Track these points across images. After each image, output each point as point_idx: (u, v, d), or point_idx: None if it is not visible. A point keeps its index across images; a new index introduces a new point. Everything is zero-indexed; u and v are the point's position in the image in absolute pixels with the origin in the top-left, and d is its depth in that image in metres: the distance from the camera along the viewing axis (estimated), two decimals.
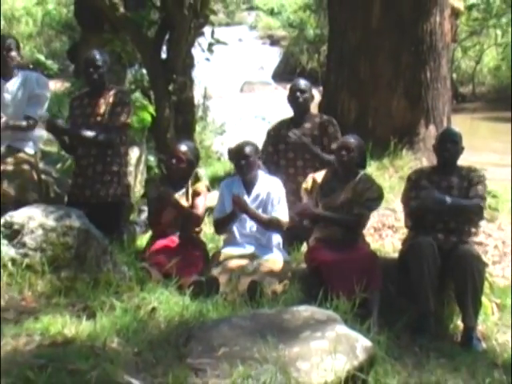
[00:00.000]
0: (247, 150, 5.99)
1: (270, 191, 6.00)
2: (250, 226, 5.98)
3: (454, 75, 18.01)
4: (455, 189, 5.96)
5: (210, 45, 9.11)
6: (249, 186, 6.04)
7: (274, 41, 32.17)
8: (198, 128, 10.30)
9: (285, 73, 24.21)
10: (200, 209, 6.00)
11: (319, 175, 6.16)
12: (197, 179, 6.10)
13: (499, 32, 20.10)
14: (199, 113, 12.27)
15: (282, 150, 6.77)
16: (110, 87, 6.37)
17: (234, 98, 20.06)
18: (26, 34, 19.47)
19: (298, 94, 6.72)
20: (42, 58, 17.52)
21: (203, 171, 7.24)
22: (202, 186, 6.09)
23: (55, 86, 12.93)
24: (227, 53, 19.46)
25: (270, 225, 5.95)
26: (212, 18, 9.08)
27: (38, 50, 18.87)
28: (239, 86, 22.83)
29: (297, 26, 24.64)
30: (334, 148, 6.18)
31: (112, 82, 6.54)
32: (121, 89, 6.61)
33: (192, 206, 6.00)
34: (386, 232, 7.60)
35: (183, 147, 6.10)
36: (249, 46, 31.19)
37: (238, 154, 6.03)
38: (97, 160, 6.27)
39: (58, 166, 7.63)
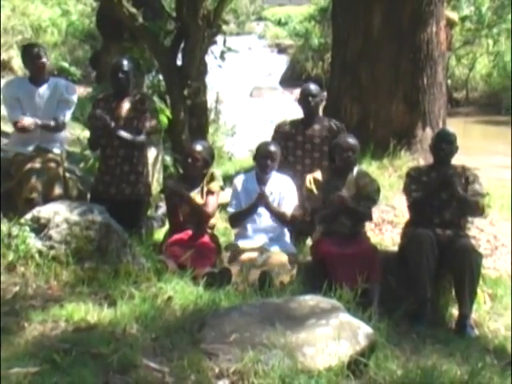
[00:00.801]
0: (273, 150, 6.00)
1: (282, 189, 6.01)
2: (263, 220, 5.97)
3: (449, 81, 17.91)
4: (454, 185, 5.93)
5: (222, 52, 9.11)
6: (263, 183, 6.03)
7: (281, 49, 32.15)
8: (210, 130, 10.29)
9: (291, 79, 24.17)
10: (210, 207, 5.98)
11: (317, 174, 6.14)
12: (212, 178, 6.07)
13: (491, 41, 20.03)
14: (212, 116, 12.27)
15: (291, 147, 6.74)
16: (134, 92, 6.39)
17: (244, 103, 20.03)
18: (52, 43, 19.45)
19: (309, 97, 6.71)
20: (65, 65, 17.57)
21: (218, 172, 7.22)
22: (215, 185, 6.07)
23: (78, 91, 12.94)
24: (238, 60, 19.47)
25: (285, 219, 5.96)
26: (224, 27, 9.06)
27: (62, 58, 18.85)
28: (249, 91, 22.80)
29: (302, 36, 24.63)
30: (338, 147, 6.13)
31: (133, 87, 6.53)
32: (144, 94, 6.63)
33: (204, 204, 5.98)
34: (385, 227, 7.59)
35: (198, 147, 6.09)
36: (258, 53, 31.20)
37: (263, 153, 6.02)
38: (124, 161, 6.29)
39: (81, 165, 7.64)
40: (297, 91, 21.63)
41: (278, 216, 5.94)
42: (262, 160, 6.00)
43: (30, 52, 6.33)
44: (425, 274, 5.58)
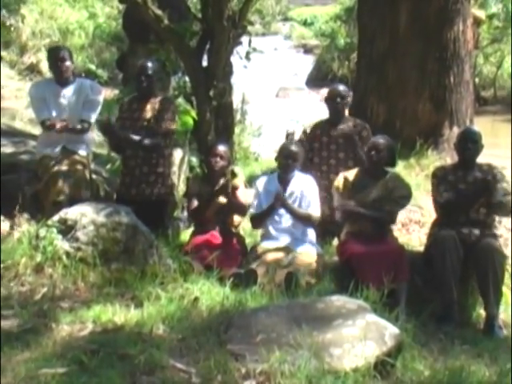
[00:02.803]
0: (295, 150, 6.01)
1: (303, 189, 6.00)
2: (285, 220, 5.97)
3: (477, 80, 17.78)
4: (481, 183, 5.90)
5: (248, 53, 9.11)
6: (284, 183, 6.03)
7: (307, 49, 32.08)
8: (236, 131, 10.29)
9: (317, 79, 24.12)
10: (242, 198, 6.01)
11: (350, 174, 6.13)
12: (234, 175, 6.11)
13: None
14: (238, 116, 12.25)
15: (316, 148, 6.74)
16: (157, 94, 6.41)
17: (270, 103, 20.02)
18: (79, 46, 19.55)
19: (338, 98, 6.71)
20: (93, 67, 17.66)
21: (238, 168, 7.23)
22: (239, 180, 6.12)
23: (105, 93, 12.99)
24: (264, 61, 19.48)
25: (305, 219, 5.95)
26: (249, 28, 9.07)
27: (89, 60, 18.95)
28: (275, 91, 22.78)
29: (328, 36, 24.58)
30: (366, 147, 6.14)
31: (158, 89, 6.56)
32: (166, 96, 6.66)
33: (234, 198, 6.00)
34: (412, 227, 7.56)
35: (222, 147, 6.14)
36: (284, 54, 31.15)
37: (284, 153, 6.03)
38: (143, 162, 6.30)
39: (108, 166, 7.68)
40: (323, 91, 21.59)
41: (298, 216, 5.93)
42: (284, 160, 6.01)
43: (54, 55, 6.38)
44: (450, 275, 5.54)
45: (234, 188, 6.02)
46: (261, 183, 6.14)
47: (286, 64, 27.48)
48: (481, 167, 6.05)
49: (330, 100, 6.79)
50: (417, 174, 8.89)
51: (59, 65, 6.30)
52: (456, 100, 9.31)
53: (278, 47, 32.44)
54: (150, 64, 6.31)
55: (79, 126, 6.27)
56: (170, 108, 6.33)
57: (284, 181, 6.05)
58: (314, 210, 5.97)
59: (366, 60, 9.91)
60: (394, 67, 9.40)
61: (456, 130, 9.15)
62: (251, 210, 6.07)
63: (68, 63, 6.31)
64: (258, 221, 6.06)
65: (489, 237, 5.78)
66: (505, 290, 5.78)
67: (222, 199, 5.99)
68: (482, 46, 19.16)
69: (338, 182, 6.10)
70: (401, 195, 5.97)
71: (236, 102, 10.99)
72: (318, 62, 25.80)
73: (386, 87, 9.46)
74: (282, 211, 5.94)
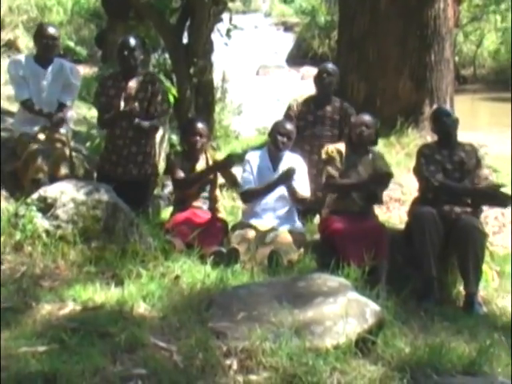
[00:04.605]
0: (290, 128, 5.99)
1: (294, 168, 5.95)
2: (271, 199, 5.94)
3: (456, 58, 17.78)
4: (466, 163, 5.94)
5: (228, 30, 9.08)
6: (276, 161, 6.01)
7: (287, 27, 32.01)
8: (217, 109, 10.27)
9: (297, 57, 24.12)
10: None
11: (341, 146, 6.09)
12: (213, 149, 6.09)
13: (499, 17, 19.95)
14: (218, 94, 12.20)
15: (301, 126, 6.69)
16: (141, 71, 6.37)
17: (251, 81, 19.95)
18: (57, 22, 19.30)
19: (325, 76, 6.68)
20: (71, 44, 17.50)
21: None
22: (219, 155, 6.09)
23: (84, 70, 12.89)
24: (244, 39, 19.41)
25: (298, 199, 5.94)
26: (230, 5, 9.02)
27: (68, 37, 18.75)
28: (255, 69, 22.72)
29: (309, 13, 24.51)
30: (352, 124, 6.12)
31: (140, 65, 6.50)
32: (150, 72, 6.61)
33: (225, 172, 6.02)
34: (393, 205, 7.59)
35: (200, 124, 6.11)
36: (264, 32, 31.03)
37: (280, 130, 6.00)
38: (132, 142, 6.27)
39: (88, 144, 7.62)
40: (303, 69, 21.64)
41: (294, 197, 5.91)
42: (279, 137, 5.97)
43: (43, 32, 6.30)
44: (429, 252, 5.54)
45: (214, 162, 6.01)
46: (251, 158, 6.08)
47: (266, 42, 27.38)
48: (464, 147, 6.05)
49: (317, 78, 6.76)
50: (397, 153, 8.92)
51: (48, 43, 6.24)
52: (436, 78, 9.34)
53: (258, 25, 32.30)
54: (132, 40, 6.24)
55: (60, 114, 6.22)
56: (160, 88, 6.34)
57: (275, 158, 6.02)
58: (305, 190, 5.96)
59: (346, 38, 9.90)
60: (374, 45, 9.41)
61: None
62: (242, 186, 6.01)
63: (56, 42, 6.26)
64: (252, 197, 5.98)
65: (469, 214, 5.79)
66: (485, 267, 5.82)
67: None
68: (462, 25, 19.17)
69: (332, 152, 6.04)
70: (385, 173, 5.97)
71: (216, 80, 10.94)
72: (298, 40, 25.77)
73: (366, 65, 9.47)
74: None
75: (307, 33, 24.50)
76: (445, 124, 5.98)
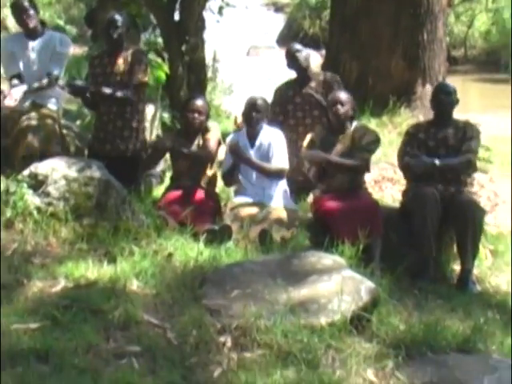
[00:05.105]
0: (259, 103, 5.94)
1: (271, 141, 5.93)
2: (256, 175, 5.91)
3: (447, 39, 17.72)
4: (450, 139, 5.88)
5: (221, 8, 9.01)
6: (253, 138, 5.98)
7: (278, 8, 31.73)
8: (208, 88, 10.18)
9: (288, 37, 23.82)
10: (210, 146, 5.92)
11: (313, 135, 6.06)
12: (206, 130, 6.00)
13: None
14: (209, 74, 12.11)
15: (290, 109, 6.68)
16: (128, 47, 6.26)
17: (241, 61, 19.85)
18: (46, 2, 19.15)
19: (297, 54, 6.63)
20: (61, 22, 17.33)
21: (214, 124, 7.11)
22: (210, 134, 5.99)
23: (74, 50, 12.78)
24: (234, 19, 19.29)
25: (271, 172, 5.90)
26: None
27: (57, 16, 18.62)
28: (245, 50, 22.60)
29: None
30: (328, 103, 6.06)
31: (127, 42, 6.40)
32: (138, 48, 6.51)
33: (203, 147, 5.94)
34: (385, 184, 7.55)
35: (200, 101, 6.03)
36: (254, 12, 30.85)
37: (248, 106, 5.96)
38: (117, 116, 6.18)
39: (78, 122, 7.55)
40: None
41: (260, 169, 5.86)
42: (248, 113, 5.95)
43: (17, 7, 6.23)
44: (429, 231, 5.51)
45: (205, 141, 5.95)
46: (231, 140, 6.05)
47: (257, 23, 27.22)
48: (457, 124, 6.00)
49: (289, 61, 6.73)
50: (389, 132, 8.90)
51: (23, 16, 6.15)
52: (429, 57, 9.32)
53: (248, 5, 32.12)
54: (117, 16, 6.16)
55: (45, 81, 6.12)
56: (142, 60, 6.19)
57: (252, 135, 5.99)
58: (282, 162, 5.91)
59: (338, 17, 9.86)
60: (367, 24, 9.36)
61: (429, 88, 9.16)
62: (223, 168, 6.01)
63: (31, 12, 6.15)
64: (228, 177, 6.01)
65: (465, 193, 5.76)
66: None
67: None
68: (453, 5, 19.09)
69: (305, 143, 6.03)
70: (368, 141, 5.88)
71: (207, 60, 10.86)
72: (288, 21, 25.61)
73: (358, 44, 9.43)
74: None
75: (298, 13, 24.32)
76: (442, 103, 5.93)
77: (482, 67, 19.42)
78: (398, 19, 9.19)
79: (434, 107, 6.04)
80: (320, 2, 21.95)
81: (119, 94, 6.05)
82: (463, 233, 5.57)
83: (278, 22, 27.39)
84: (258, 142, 5.96)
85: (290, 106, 6.70)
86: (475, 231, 5.56)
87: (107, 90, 6.05)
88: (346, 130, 5.94)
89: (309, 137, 6.05)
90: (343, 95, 5.96)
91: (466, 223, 5.54)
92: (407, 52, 9.25)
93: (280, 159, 5.91)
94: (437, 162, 5.69)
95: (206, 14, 8.64)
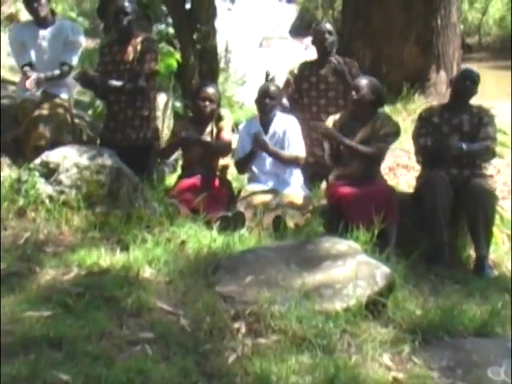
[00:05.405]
0: (272, 90, 5.90)
1: (286, 129, 5.90)
2: (270, 163, 5.88)
3: (462, 27, 17.59)
4: (465, 125, 5.82)
5: None
6: (266, 125, 5.94)
7: None
8: (220, 79, 10.15)
9: (301, 28, 23.81)
10: (226, 137, 5.90)
11: (338, 117, 5.99)
12: (220, 118, 5.98)
13: None
14: (221, 64, 12.09)
15: (305, 88, 6.62)
16: (138, 34, 6.22)
17: (254, 53, 19.79)
18: None
19: (326, 35, 6.55)
20: (73, 15, 17.32)
21: (226, 111, 7.08)
22: (224, 123, 5.99)
23: (86, 42, 12.77)
24: (247, 11, 19.21)
25: (288, 160, 5.87)
26: None
27: (70, 9, 18.61)
28: (258, 41, 22.53)
29: None
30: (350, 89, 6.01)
31: (137, 29, 6.36)
32: (148, 36, 6.46)
33: (218, 139, 5.90)
34: (400, 171, 7.51)
35: (211, 89, 6.00)
36: (267, 4, 30.76)
37: (261, 93, 5.94)
38: (127, 105, 6.15)
39: (90, 111, 7.53)
40: (306, 40, 21.44)
41: (279, 157, 5.84)
42: (261, 100, 5.91)
43: None
44: (440, 216, 5.46)
45: (220, 130, 5.91)
46: (244, 127, 6.06)
47: (270, 14, 27.13)
48: (471, 109, 5.93)
49: (315, 39, 6.65)
50: (404, 119, 8.81)
51: (34, 5, 6.11)
52: (443, 43, 9.23)
53: None
54: (126, 3, 6.11)
55: (57, 72, 6.11)
56: (152, 48, 6.16)
57: (265, 122, 5.95)
58: (298, 150, 5.88)
59: (351, 5, 9.78)
60: (379, 11, 9.29)
61: (443, 74, 9.09)
62: (236, 155, 5.97)
63: (43, 1, 6.12)
64: (242, 165, 5.99)
65: (478, 177, 5.69)
66: (495, 230, 5.75)
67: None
68: None
69: (328, 125, 5.95)
70: (386, 132, 5.79)
71: (220, 50, 10.83)
72: (301, 11, 25.53)
73: (371, 32, 9.35)
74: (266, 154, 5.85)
75: (310, 4, 24.27)
76: (466, 89, 5.85)
77: (496, 54, 19.26)
78: (411, 5, 9.10)
79: (455, 91, 5.94)
80: None
81: (129, 85, 6.03)
82: (475, 220, 5.53)
83: (291, 13, 27.29)
84: (271, 130, 5.92)
85: (305, 85, 6.64)
86: (487, 217, 5.51)
87: (115, 82, 6.02)
88: (370, 118, 5.85)
89: (331, 119, 5.97)
90: (361, 82, 5.88)
91: (477, 210, 5.49)
92: (420, 38, 9.16)
93: (297, 147, 5.88)
94: (464, 146, 5.64)
95: (217, 2, 8.59)
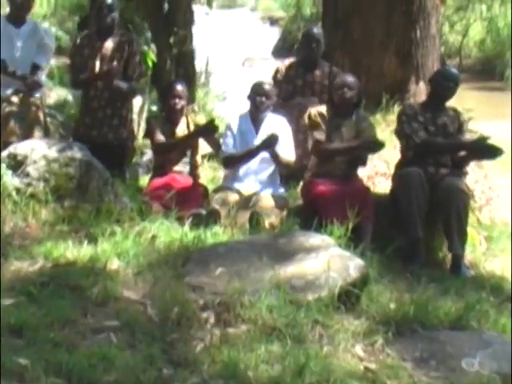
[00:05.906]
0: (268, 88, 5.83)
1: (278, 130, 5.76)
2: (253, 163, 5.76)
3: (442, 49, 17.67)
4: (450, 127, 5.81)
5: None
6: (257, 123, 5.84)
7: (273, 21, 31.79)
8: (201, 94, 10.14)
9: (283, 49, 23.84)
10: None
11: (323, 109, 5.90)
12: (192, 111, 5.93)
13: (484, 7, 19.79)
14: (202, 79, 12.05)
15: (290, 90, 6.55)
16: (119, 31, 6.21)
17: (236, 72, 19.83)
18: (41, 15, 19.18)
19: (312, 40, 6.50)
20: (54, 30, 17.27)
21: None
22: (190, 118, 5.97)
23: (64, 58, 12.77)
24: (230, 33, 19.24)
25: (284, 164, 5.80)
26: (215, 1, 8.89)
27: (52, 25, 18.58)
28: (240, 62, 22.59)
29: (294, 6, 24.42)
30: (334, 85, 5.93)
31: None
32: (131, 36, 6.41)
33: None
34: (378, 179, 7.41)
35: (179, 86, 5.95)
36: (250, 26, 30.89)
37: (258, 90, 5.81)
38: (108, 104, 6.10)
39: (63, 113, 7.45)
40: (288, 61, 21.52)
41: (278, 161, 5.74)
42: (258, 97, 5.78)
43: None
44: (415, 212, 5.40)
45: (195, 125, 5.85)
46: (234, 123, 5.92)
47: (252, 36, 27.25)
48: (447, 112, 5.91)
49: (303, 43, 6.60)
50: (383, 130, 8.75)
51: (19, 4, 6.12)
52: (422, 54, 9.22)
53: (244, 20, 32.14)
54: (110, 1, 6.06)
55: (28, 72, 6.04)
56: (138, 49, 6.22)
57: (256, 120, 5.85)
58: (290, 154, 5.80)
59: (331, 16, 9.74)
60: (359, 21, 9.27)
61: (422, 85, 9.08)
62: (224, 150, 5.82)
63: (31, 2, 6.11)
64: (234, 162, 5.80)
65: (453, 175, 5.63)
66: (472, 232, 5.71)
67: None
68: (447, 15, 19.05)
69: (315, 116, 5.83)
70: (371, 135, 5.80)
71: (200, 66, 10.83)
72: (283, 33, 25.64)
73: (351, 42, 9.33)
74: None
75: (292, 25, 24.37)
76: (444, 87, 5.80)
77: (476, 76, 19.37)
78: (391, 17, 9.09)
79: (435, 89, 5.89)
80: (314, 13, 21.94)
81: (125, 87, 6.03)
82: (448, 218, 5.48)
83: (274, 34, 27.43)
84: (262, 130, 5.81)
85: (290, 86, 6.57)
86: (460, 216, 5.46)
87: (122, 85, 6.03)
88: (351, 116, 5.82)
89: (314, 111, 5.87)
90: (351, 79, 5.84)
91: (449, 208, 5.44)
92: (400, 50, 9.14)
93: (287, 151, 5.79)
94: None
95: (195, 7, 8.57)
